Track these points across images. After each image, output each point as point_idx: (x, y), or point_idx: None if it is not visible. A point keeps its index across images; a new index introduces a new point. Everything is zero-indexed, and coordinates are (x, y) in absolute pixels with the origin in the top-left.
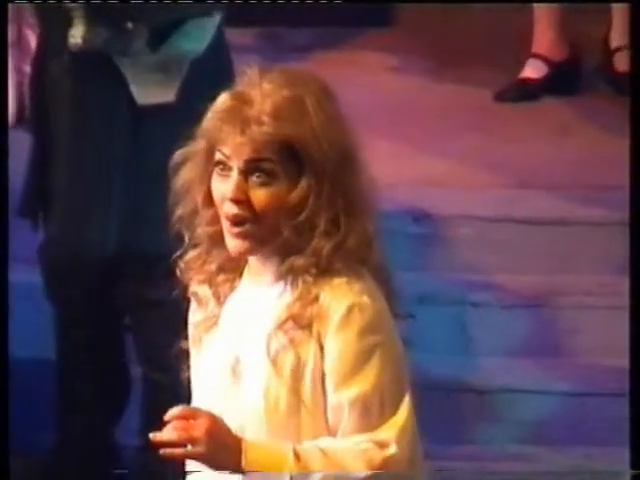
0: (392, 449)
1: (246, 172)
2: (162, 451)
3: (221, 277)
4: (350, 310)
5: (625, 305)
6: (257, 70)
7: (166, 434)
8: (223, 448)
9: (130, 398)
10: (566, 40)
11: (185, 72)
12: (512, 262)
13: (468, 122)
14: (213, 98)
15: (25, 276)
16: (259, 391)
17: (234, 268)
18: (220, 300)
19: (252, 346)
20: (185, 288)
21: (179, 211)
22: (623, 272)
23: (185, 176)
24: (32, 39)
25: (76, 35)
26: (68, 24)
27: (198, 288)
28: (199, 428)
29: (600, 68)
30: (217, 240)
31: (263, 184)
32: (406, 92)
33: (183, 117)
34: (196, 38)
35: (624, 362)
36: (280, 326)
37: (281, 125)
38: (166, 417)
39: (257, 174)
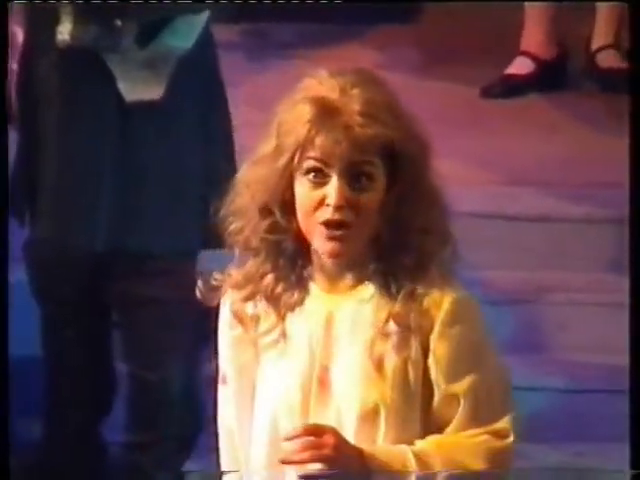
0: (510, 438)
1: (347, 176)
2: (300, 475)
3: (280, 288)
4: (454, 304)
5: (614, 302)
6: (327, 74)
7: (297, 456)
8: (350, 462)
9: (117, 396)
10: (554, 39)
11: (173, 69)
12: (501, 258)
13: (455, 119)
14: (201, 96)
15: (25, 276)
16: (356, 396)
17: (293, 278)
18: (281, 313)
19: (344, 353)
20: (205, 300)
21: (238, 223)
22: (612, 269)
23: (255, 187)
24: (20, 36)
25: (64, 32)
26: (56, 21)
27: (245, 305)
28: (328, 446)
29: (585, 66)
30: (277, 250)
31: (365, 188)
32: (393, 89)
33: (171, 114)
34: (184, 35)
35: (613, 359)
36: (381, 329)
37: (378, 126)
38: (290, 434)
39: (358, 178)
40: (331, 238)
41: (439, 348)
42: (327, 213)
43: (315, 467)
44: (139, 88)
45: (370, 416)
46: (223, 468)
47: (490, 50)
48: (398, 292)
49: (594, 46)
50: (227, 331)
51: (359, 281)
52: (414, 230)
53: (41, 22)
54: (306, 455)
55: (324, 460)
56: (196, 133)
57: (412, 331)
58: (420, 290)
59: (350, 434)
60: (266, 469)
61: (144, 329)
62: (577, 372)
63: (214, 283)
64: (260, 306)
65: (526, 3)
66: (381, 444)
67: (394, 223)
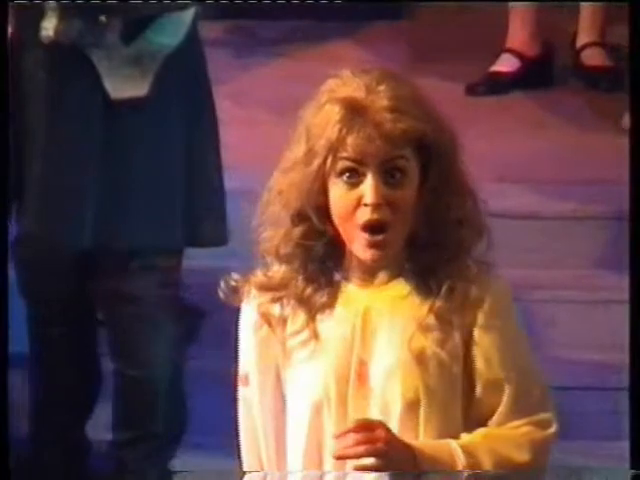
0: (553, 428)
1: (381, 173)
2: (355, 466)
3: (310, 289)
4: (496, 296)
5: (602, 299)
6: (352, 74)
7: (351, 451)
8: (401, 456)
9: (103, 393)
10: (539, 36)
11: (158, 66)
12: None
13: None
14: (186, 93)
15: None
16: (397, 390)
17: (324, 278)
18: (312, 313)
19: (382, 347)
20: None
21: (270, 232)
22: (600, 266)
23: (288, 193)
24: (7, 32)
25: (48, 27)
26: (41, 16)
27: (273, 307)
28: (380, 440)
29: (570, 63)
30: (308, 255)
31: (400, 183)
32: None
33: (156, 111)
34: (170, 32)
35: (602, 356)
36: (422, 324)
37: (410, 120)
38: (341, 431)
39: (392, 174)
40: (372, 245)
41: (484, 339)
42: (366, 214)
43: (368, 461)
44: (124, 85)
45: (411, 409)
46: (246, 468)
47: (475, 47)
48: (438, 287)
49: (579, 43)
50: (252, 332)
51: (394, 276)
52: (450, 223)
53: (27, 18)
54: (361, 449)
55: (377, 454)
56: (181, 130)
57: (453, 325)
58: (460, 285)
59: (394, 426)
60: (303, 465)
61: (129, 327)
62: (566, 369)
63: (233, 284)
64: (288, 307)
65: (510, 2)
66: (427, 439)
67: (430, 217)
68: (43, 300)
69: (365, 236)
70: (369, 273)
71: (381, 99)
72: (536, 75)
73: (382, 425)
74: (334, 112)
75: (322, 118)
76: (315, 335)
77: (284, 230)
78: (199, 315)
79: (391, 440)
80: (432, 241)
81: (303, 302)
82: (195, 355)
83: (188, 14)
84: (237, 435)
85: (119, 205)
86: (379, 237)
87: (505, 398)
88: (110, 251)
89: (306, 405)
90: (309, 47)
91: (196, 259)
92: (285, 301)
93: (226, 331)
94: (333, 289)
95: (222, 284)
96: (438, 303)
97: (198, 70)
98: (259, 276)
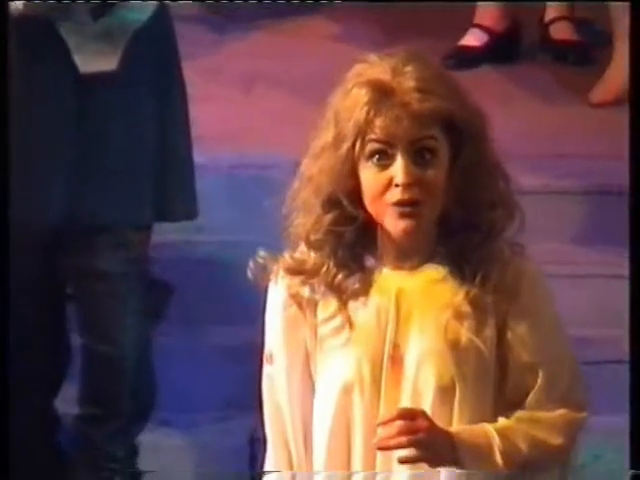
0: (586, 412)
1: (411, 154)
2: (399, 458)
3: (341, 276)
4: (530, 281)
5: (573, 273)
6: (378, 57)
7: (394, 442)
8: (441, 444)
9: (71, 368)
10: (508, 11)
11: (128, 41)
12: None
13: None
14: (156, 68)
15: None
16: (431, 374)
17: (354, 266)
18: (343, 300)
19: (416, 330)
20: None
21: (301, 219)
22: (571, 241)
23: (319, 179)
24: None
25: (18, 2)
26: None
27: (302, 288)
28: (423, 429)
29: (538, 38)
30: (339, 241)
31: (430, 163)
32: (349, 61)
33: (125, 86)
34: (139, 7)
35: (574, 330)
36: (457, 310)
37: (436, 100)
38: (384, 419)
39: (422, 154)
40: (403, 216)
41: (519, 324)
42: (397, 194)
43: (409, 452)
44: (94, 59)
45: (444, 396)
46: (271, 446)
47: (443, 22)
48: (473, 274)
49: (547, 18)
50: (280, 310)
51: (426, 260)
52: (482, 204)
53: None
54: (403, 440)
55: (419, 444)
56: (151, 105)
57: (488, 312)
58: (495, 271)
59: (426, 411)
60: (329, 446)
61: (98, 302)
62: None
63: (261, 262)
64: (319, 291)
65: None
66: (463, 426)
67: (462, 198)
68: (12, 275)
69: (396, 209)
70: (402, 256)
71: (408, 80)
72: (504, 49)
73: (424, 414)
74: (361, 95)
75: (350, 102)
76: (349, 322)
77: (315, 216)
78: (167, 291)
79: (432, 430)
80: (465, 223)
81: (334, 289)
82: (163, 331)
83: None
84: (206, 411)
85: (88, 180)
86: (410, 209)
87: (540, 382)
88: (79, 226)
89: (337, 388)
90: (282, 23)
91: (164, 234)
92: (315, 285)
93: (195, 307)
94: (365, 275)
95: (250, 263)
96: (473, 291)
97: (168, 45)
98: (287, 259)
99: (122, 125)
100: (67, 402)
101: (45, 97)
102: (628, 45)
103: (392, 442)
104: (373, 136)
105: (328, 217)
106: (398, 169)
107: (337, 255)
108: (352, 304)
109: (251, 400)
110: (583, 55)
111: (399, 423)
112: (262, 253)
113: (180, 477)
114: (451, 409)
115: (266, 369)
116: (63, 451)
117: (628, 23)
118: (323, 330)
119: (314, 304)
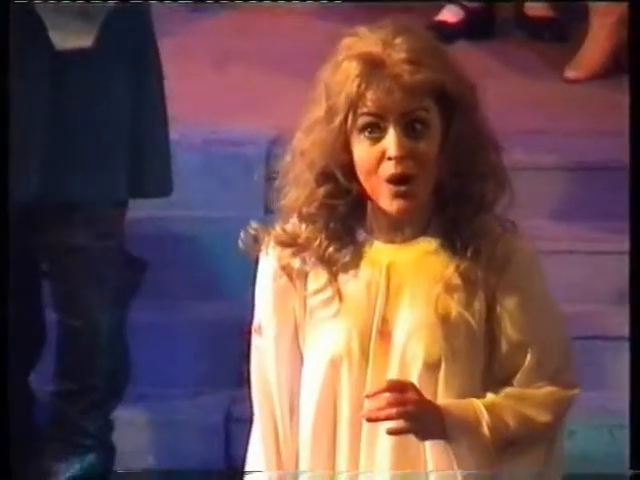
0: (576, 389)
1: (403, 126)
2: (388, 429)
3: (332, 248)
4: (521, 256)
5: (554, 249)
6: (367, 30)
7: (383, 413)
8: (430, 417)
9: (46, 344)
10: None
11: (104, 18)
12: None
13: None
14: (131, 46)
15: None
16: (419, 348)
17: (346, 239)
18: (334, 272)
19: (406, 304)
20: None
21: (294, 192)
22: (549, 217)
23: (312, 152)
24: None
25: None
26: None
27: (293, 260)
28: (412, 402)
29: (513, 14)
30: (332, 214)
31: (422, 135)
32: (324, 37)
33: (101, 63)
34: None
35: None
36: (447, 284)
37: (428, 71)
38: (373, 391)
39: (414, 126)
40: (397, 195)
41: (509, 300)
42: (390, 167)
43: (397, 423)
44: (70, 36)
45: (433, 368)
46: (257, 419)
47: None
48: (464, 247)
49: None
50: (270, 281)
51: (420, 232)
52: (474, 176)
53: None
54: (393, 411)
55: (408, 416)
56: (126, 82)
57: (478, 286)
58: (486, 245)
59: (415, 384)
60: (315, 419)
61: (72, 278)
62: None
63: (252, 233)
64: (309, 263)
65: None
66: (452, 400)
67: (454, 170)
68: None
69: (390, 187)
70: (394, 228)
71: (398, 52)
72: (480, 25)
73: (413, 387)
74: (352, 68)
75: (340, 75)
76: (338, 294)
77: (308, 190)
78: (142, 266)
79: (421, 402)
80: (457, 194)
81: (325, 261)
82: (138, 306)
83: None
84: (180, 387)
85: (63, 156)
86: (404, 188)
87: (529, 358)
88: (54, 202)
89: (324, 360)
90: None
91: (138, 209)
92: (306, 257)
93: (169, 282)
94: (356, 248)
95: (242, 234)
96: (464, 264)
97: (144, 22)
98: (279, 231)
99: (97, 102)
100: (42, 378)
101: (21, 73)
102: (608, 22)
103: (381, 414)
104: (365, 109)
105: (321, 190)
106: (390, 142)
107: (329, 228)
108: (343, 277)
109: (227, 377)
110: (558, 32)
111: (388, 395)
112: (254, 224)
113: (155, 453)
114: (437, 384)
115: (255, 340)
116: (38, 427)
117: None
118: (313, 302)
119: (304, 276)
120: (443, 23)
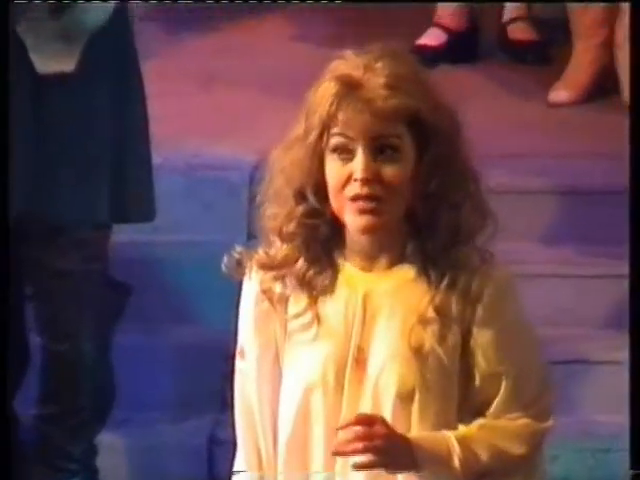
0: (551, 421)
1: (372, 150)
2: (354, 464)
3: (312, 272)
4: (496, 288)
5: (531, 273)
6: (352, 53)
7: (350, 447)
8: (399, 451)
9: (30, 367)
10: (467, 11)
11: (86, 41)
12: None
13: None
14: (114, 68)
15: None
16: (393, 378)
17: (326, 261)
18: (314, 296)
19: (381, 334)
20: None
21: (273, 209)
22: (526, 239)
23: (288, 170)
24: None
25: None
26: None
27: (274, 284)
28: (380, 436)
29: (496, 37)
30: (312, 234)
31: (391, 160)
32: (307, 60)
33: (84, 86)
34: (99, 8)
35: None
36: (421, 316)
37: (401, 97)
38: (342, 425)
39: (384, 151)
40: (362, 211)
41: (482, 333)
42: (355, 188)
43: (365, 457)
44: (52, 60)
45: (406, 399)
46: (240, 443)
47: (403, 22)
48: (439, 279)
49: (505, 18)
50: (252, 306)
51: (396, 261)
52: (447, 205)
53: None
54: (359, 446)
55: (375, 450)
56: (109, 105)
57: (453, 319)
58: (462, 277)
59: (387, 415)
60: (289, 446)
61: (56, 301)
62: None
63: (236, 257)
64: (290, 286)
65: None
66: (424, 432)
67: (426, 198)
68: None
69: (355, 204)
70: (369, 257)
71: (377, 76)
72: (463, 49)
73: (382, 420)
74: (330, 88)
75: (319, 94)
76: (317, 318)
77: (288, 208)
78: (126, 290)
79: (390, 436)
80: (431, 224)
81: (305, 284)
82: (122, 330)
83: None
84: (164, 411)
85: (47, 179)
86: (370, 205)
87: (502, 391)
88: (37, 225)
89: (300, 386)
90: (238, 23)
91: (122, 234)
92: (287, 281)
93: (153, 306)
94: (335, 272)
95: (225, 258)
96: (439, 297)
97: (127, 45)
98: (261, 254)
99: (80, 125)
100: (26, 402)
101: (3, 96)
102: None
103: (348, 448)
104: (336, 130)
105: (300, 209)
106: (357, 164)
107: (309, 249)
108: (322, 300)
109: (209, 400)
110: (541, 55)
111: (356, 429)
112: (238, 248)
113: (138, 477)
114: (411, 415)
115: (238, 364)
116: (22, 450)
117: (586, 23)
118: (293, 325)
119: (285, 300)
120: (425, 47)
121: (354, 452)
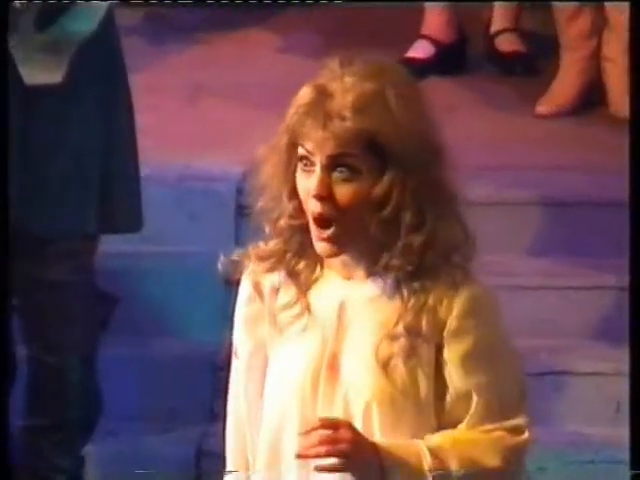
0: (526, 435)
1: (329, 167)
2: (316, 466)
3: (302, 264)
4: (467, 304)
5: (514, 285)
6: (338, 62)
7: (313, 450)
8: (365, 456)
9: (17, 379)
10: (454, 23)
11: (73, 53)
12: None
13: None
14: (102, 80)
15: None
16: (363, 387)
17: (314, 256)
18: (303, 289)
19: (353, 344)
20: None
21: (260, 203)
22: (514, 250)
23: (269, 171)
24: None
25: None
26: None
27: (265, 277)
28: (344, 440)
29: (484, 49)
30: (299, 231)
31: (346, 179)
32: (294, 71)
33: (71, 98)
34: (85, 19)
35: (527, 342)
36: (390, 332)
37: (363, 119)
38: (306, 429)
39: (340, 169)
40: (321, 239)
41: (452, 348)
42: (312, 204)
43: (330, 461)
44: (39, 71)
45: (370, 412)
46: (229, 446)
47: (391, 34)
48: (409, 296)
49: (493, 29)
50: (245, 305)
51: (373, 272)
52: (405, 226)
53: None
54: (322, 450)
55: (340, 454)
56: (97, 117)
57: (422, 335)
58: (433, 295)
59: (357, 423)
60: (270, 451)
61: (44, 312)
62: None
63: (236, 258)
64: (281, 279)
65: None
66: (395, 440)
67: (384, 218)
68: None
69: (316, 230)
70: (347, 266)
71: (347, 92)
72: (451, 61)
73: (348, 425)
74: (305, 95)
75: (295, 99)
76: (308, 309)
77: (282, 203)
78: (113, 301)
79: (355, 440)
80: (389, 243)
81: (294, 276)
82: (109, 341)
83: (104, 2)
84: (151, 422)
85: (34, 190)
86: (326, 232)
87: (474, 405)
88: (25, 236)
89: (280, 389)
90: (224, 35)
91: (109, 244)
92: (279, 272)
93: (140, 317)
94: (323, 266)
95: (222, 258)
96: (409, 314)
97: (114, 57)
98: (260, 247)
99: (68, 136)
100: (13, 413)
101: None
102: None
103: (312, 451)
104: (302, 141)
105: (291, 205)
106: (314, 179)
107: (300, 242)
108: (311, 292)
109: (197, 412)
110: (529, 66)
111: (320, 432)
112: (239, 251)
113: None
114: (382, 424)
115: (233, 363)
116: (9, 462)
117: (574, 35)
118: (283, 318)
119: (276, 292)
120: (413, 59)
121: (316, 456)
